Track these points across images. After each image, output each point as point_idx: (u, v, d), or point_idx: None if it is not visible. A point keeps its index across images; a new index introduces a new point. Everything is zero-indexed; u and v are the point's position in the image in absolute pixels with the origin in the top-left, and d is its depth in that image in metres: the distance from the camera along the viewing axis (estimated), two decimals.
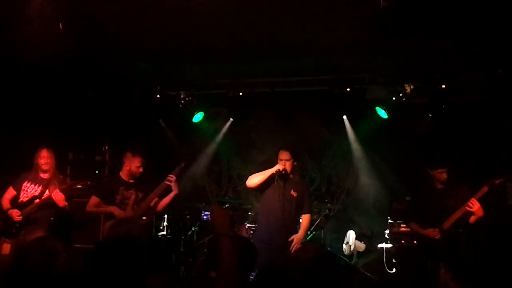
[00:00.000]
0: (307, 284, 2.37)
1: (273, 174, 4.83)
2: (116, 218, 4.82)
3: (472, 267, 2.85)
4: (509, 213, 5.82)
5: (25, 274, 2.79)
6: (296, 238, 4.81)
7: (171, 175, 5.06)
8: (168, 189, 5.12)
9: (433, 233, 4.76)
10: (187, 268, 6.20)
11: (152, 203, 5.06)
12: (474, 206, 4.54)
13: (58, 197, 5.04)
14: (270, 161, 5.32)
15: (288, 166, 4.86)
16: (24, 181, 5.21)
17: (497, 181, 4.59)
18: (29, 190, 5.20)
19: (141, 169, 5.08)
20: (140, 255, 2.17)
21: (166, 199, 5.14)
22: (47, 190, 5.18)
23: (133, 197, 4.97)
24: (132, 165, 5.06)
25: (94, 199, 5.05)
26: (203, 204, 6.96)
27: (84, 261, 2.16)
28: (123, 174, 5.14)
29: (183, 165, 5.27)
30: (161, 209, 5.16)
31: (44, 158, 5.22)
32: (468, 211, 4.59)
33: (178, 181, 5.14)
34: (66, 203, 5.16)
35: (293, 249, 4.64)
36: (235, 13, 4.74)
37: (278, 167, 4.82)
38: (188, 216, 6.69)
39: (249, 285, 2.67)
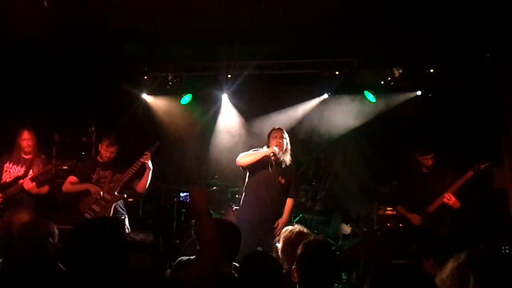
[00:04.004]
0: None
1: (266, 156, 4.76)
2: (93, 195, 4.84)
3: (454, 251, 2.85)
4: (494, 198, 5.88)
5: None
6: (281, 221, 4.83)
7: (146, 152, 5.04)
8: (144, 170, 5.06)
9: (415, 219, 4.82)
10: (174, 250, 6.21)
11: (126, 180, 4.97)
12: (451, 199, 4.65)
13: (29, 185, 5.01)
14: (260, 143, 5.26)
15: (282, 144, 4.80)
16: (6, 162, 5.16)
17: (482, 166, 4.65)
18: (12, 171, 5.15)
19: (112, 155, 5.01)
20: (120, 235, 2.14)
21: (144, 178, 5.06)
22: (30, 170, 5.14)
23: (109, 174, 4.98)
24: (102, 149, 5.03)
25: (71, 178, 5.05)
26: (191, 187, 6.94)
27: (64, 243, 2.13)
28: (100, 157, 5.12)
29: (158, 144, 5.19)
30: (142, 189, 5.07)
31: (26, 140, 5.17)
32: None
33: (157, 161, 5.10)
34: (42, 189, 5.14)
35: (278, 232, 4.61)
36: None
37: (273, 149, 4.74)
38: (175, 199, 6.67)
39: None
